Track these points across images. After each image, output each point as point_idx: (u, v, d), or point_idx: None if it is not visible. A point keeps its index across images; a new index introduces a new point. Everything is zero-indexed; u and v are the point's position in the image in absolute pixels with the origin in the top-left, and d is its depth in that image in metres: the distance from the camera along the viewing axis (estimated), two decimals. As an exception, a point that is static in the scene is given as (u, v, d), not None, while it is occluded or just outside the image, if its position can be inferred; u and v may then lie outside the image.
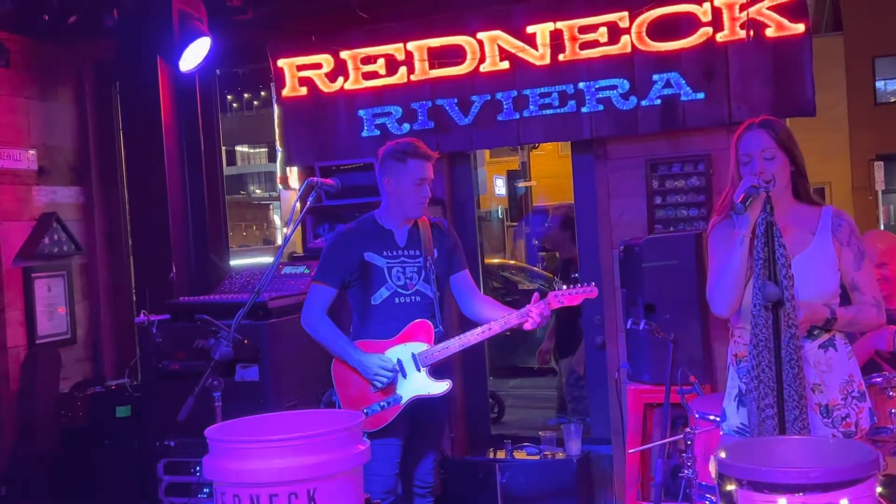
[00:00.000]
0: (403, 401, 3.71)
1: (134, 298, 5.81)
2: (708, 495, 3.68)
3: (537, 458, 4.98)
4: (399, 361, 3.73)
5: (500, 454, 5.06)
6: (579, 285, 3.79)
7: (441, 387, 3.74)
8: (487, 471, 4.93)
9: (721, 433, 3.13)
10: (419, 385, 3.73)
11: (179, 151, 5.47)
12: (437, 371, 3.76)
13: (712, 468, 2.27)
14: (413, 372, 3.73)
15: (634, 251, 4.51)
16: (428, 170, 3.83)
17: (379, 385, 3.68)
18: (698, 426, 3.77)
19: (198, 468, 4.63)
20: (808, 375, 2.87)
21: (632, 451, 4.32)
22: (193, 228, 5.58)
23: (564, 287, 3.79)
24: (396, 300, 3.78)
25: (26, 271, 5.47)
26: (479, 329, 3.78)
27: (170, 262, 5.26)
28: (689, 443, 3.79)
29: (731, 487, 2.18)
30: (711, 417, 3.70)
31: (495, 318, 3.78)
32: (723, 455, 2.26)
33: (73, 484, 5.29)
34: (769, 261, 2.82)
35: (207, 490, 4.59)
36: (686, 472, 3.81)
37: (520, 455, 5.04)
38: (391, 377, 3.68)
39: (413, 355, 3.74)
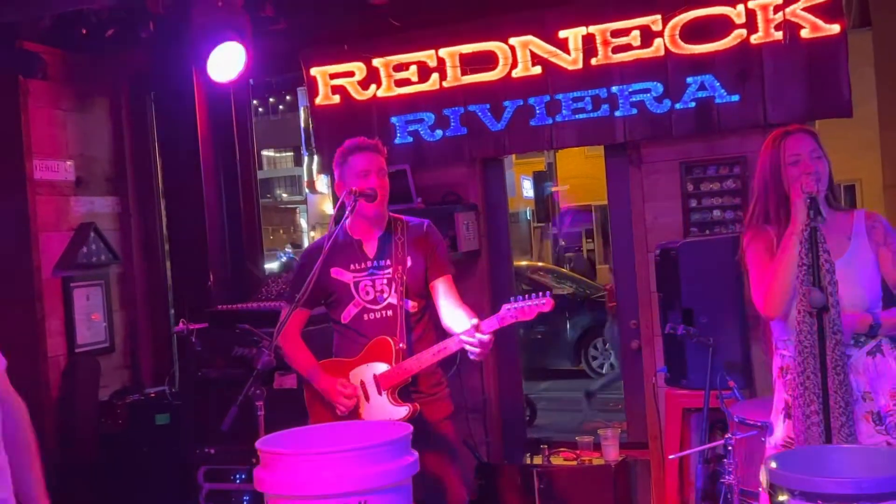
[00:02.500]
0: None
1: (171, 307, 5.87)
2: (749, 501, 3.67)
3: (575, 463, 4.97)
4: (362, 383, 3.48)
5: (537, 459, 5.06)
6: (532, 297, 3.34)
7: (400, 412, 3.39)
8: (525, 476, 4.93)
9: (768, 446, 3.11)
10: (381, 409, 3.43)
11: (215, 160, 5.53)
12: (402, 392, 3.45)
13: (763, 478, 2.27)
14: (374, 395, 3.45)
15: (671, 255, 4.49)
16: (371, 161, 3.49)
17: (343, 411, 3.46)
18: (738, 431, 3.75)
19: (238, 475, 4.68)
20: (858, 384, 2.86)
21: (672, 456, 4.30)
22: (230, 236, 5.63)
23: (517, 300, 3.34)
24: (365, 316, 3.51)
25: (65, 281, 5.54)
26: (434, 348, 3.43)
27: (207, 269, 5.31)
28: (729, 448, 3.77)
29: (783, 498, 2.17)
30: (751, 422, 3.68)
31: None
32: (774, 465, 2.26)
33: (113, 491, 5.35)
34: (814, 266, 2.81)
35: (247, 497, 4.63)
36: (727, 477, 3.79)
37: (557, 460, 5.04)
38: (351, 404, 3.45)
39: (374, 377, 3.46)
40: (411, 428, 2.76)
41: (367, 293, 3.52)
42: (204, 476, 4.80)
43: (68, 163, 5.67)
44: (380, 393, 3.44)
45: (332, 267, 3.51)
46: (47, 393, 5.39)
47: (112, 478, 5.35)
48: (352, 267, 3.54)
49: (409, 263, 3.53)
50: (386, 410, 3.41)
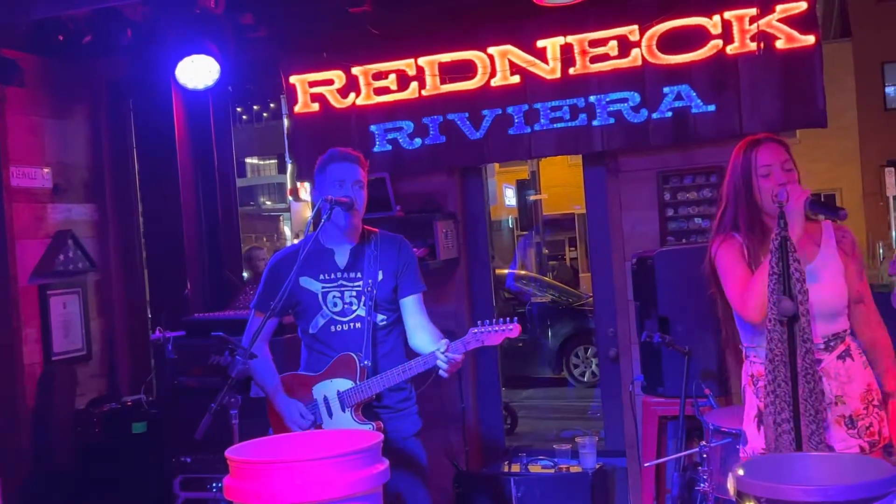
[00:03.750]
0: None
1: (149, 315, 5.84)
2: (724, 508, 3.68)
3: (552, 471, 4.98)
4: (325, 399, 3.45)
5: (515, 467, 5.05)
6: (500, 322, 3.32)
7: (363, 430, 3.34)
8: (503, 484, 4.92)
9: (742, 455, 3.12)
10: (344, 426, 3.40)
11: (193, 167, 5.52)
12: (367, 409, 3.44)
13: (731, 485, 2.28)
14: (338, 412, 3.42)
15: (647, 263, 4.51)
16: (348, 171, 3.46)
17: (297, 430, 3.43)
18: (714, 439, 3.77)
19: (214, 484, 4.66)
20: (831, 388, 2.89)
21: (647, 464, 4.31)
22: (208, 244, 5.63)
23: (485, 324, 3.31)
24: (332, 328, 3.48)
25: (42, 289, 5.51)
26: (399, 368, 3.37)
27: (185, 277, 5.30)
28: (704, 456, 3.79)
29: (749, 505, 2.18)
30: (726, 430, 3.70)
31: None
32: (741, 472, 2.27)
33: (89, 500, 5.31)
34: (784, 276, 2.83)
35: (224, 506, 4.61)
36: (702, 485, 3.81)
37: (535, 468, 5.03)
38: (307, 425, 3.42)
39: (338, 393, 3.43)
40: (382, 436, 2.75)
41: (335, 304, 3.49)
42: (180, 485, 4.78)
43: (45, 170, 5.64)
44: (343, 410, 3.41)
45: (300, 276, 3.47)
46: (23, 401, 5.35)
47: (88, 487, 5.31)
48: (321, 277, 3.51)
49: (379, 277, 3.49)
50: (349, 428, 3.38)
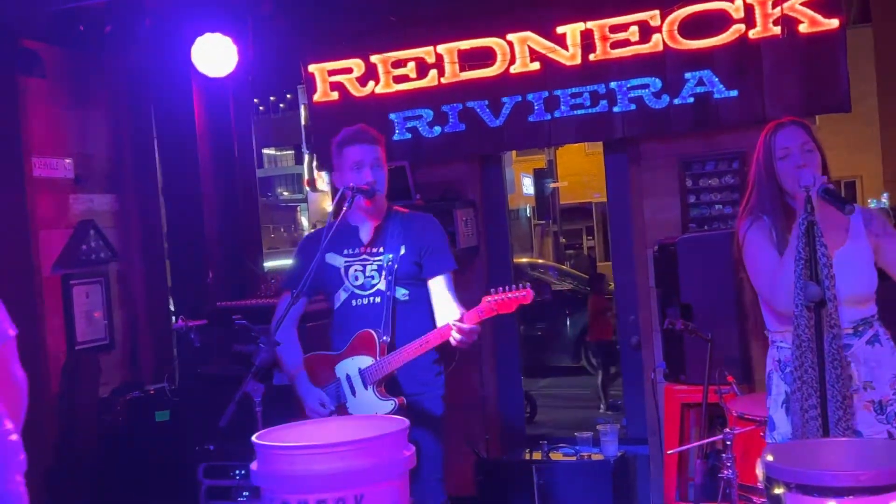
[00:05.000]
0: None
1: (171, 304, 5.87)
2: (747, 495, 3.67)
3: (574, 458, 4.98)
4: (348, 378, 3.44)
5: (536, 455, 5.06)
6: (512, 288, 3.24)
7: (386, 406, 3.36)
8: (524, 472, 4.93)
9: (768, 441, 3.11)
10: (367, 404, 3.39)
11: (213, 156, 5.53)
12: (390, 385, 3.41)
13: (759, 471, 2.27)
14: (361, 390, 3.41)
15: (669, 250, 4.49)
16: (365, 152, 3.43)
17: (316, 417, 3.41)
18: (737, 426, 3.76)
19: (237, 472, 4.68)
20: (860, 373, 2.87)
21: (670, 451, 4.30)
22: (229, 234, 5.63)
23: (497, 292, 3.24)
24: (353, 302, 3.47)
25: (65, 278, 5.53)
26: (417, 341, 3.33)
27: (206, 266, 5.31)
28: (728, 443, 3.77)
29: (779, 491, 2.17)
30: (750, 417, 3.68)
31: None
32: (770, 458, 2.25)
33: (113, 487, 5.35)
34: (811, 261, 2.81)
35: (247, 493, 4.63)
36: (726, 472, 3.80)
37: (556, 456, 5.04)
38: (325, 414, 3.41)
39: (360, 370, 3.42)
40: (408, 422, 2.75)
41: (356, 278, 3.48)
42: (203, 472, 4.80)
43: (67, 160, 5.65)
44: (366, 387, 3.40)
45: (327, 252, 3.46)
46: (47, 390, 5.38)
47: (112, 474, 5.35)
48: (345, 252, 3.51)
49: (402, 251, 3.46)
50: (372, 405, 3.38)
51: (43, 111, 5.52)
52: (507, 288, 3.24)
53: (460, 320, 3.24)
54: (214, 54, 4.98)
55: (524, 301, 3.23)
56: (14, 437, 2.56)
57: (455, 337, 3.23)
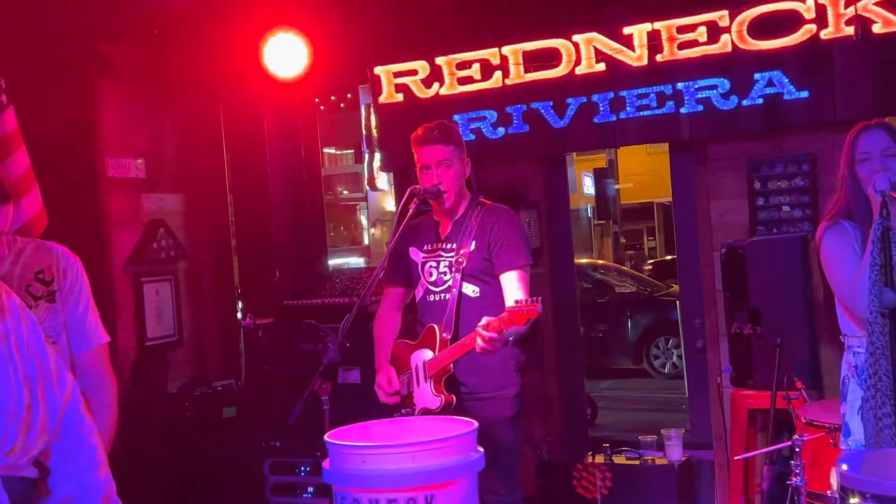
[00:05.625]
0: (416, 412, 3.46)
1: (238, 301, 5.97)
2: (816, 503, 3.61)
3: (637, 462, 4.94)
4: (416, 368, 3.53)
5: (599, 458, 5.03)
6: (524, 301, 3.20)
7: (434, 402, 3.41)
8: (587, 475, 4.90)
9: (843, 447, 3.06)
10: (425, 396, 3.46)
11: (280, 156, 5.61)
12: (449, 383, 3.43)
13: (834, 480, 2.24)
14: (422, 382, 3.49)
15: (738, 253, 4.44)
16: (432, 153, 3.47)
17: (384, 399, 3.54)
18: (806, 433, 3.70)
19: (303, 468, 4.75)
20: None
21: (738, 458, 4.25)
22: (295, 233, 5.71)
23: (517, 303, 3.20)
24: (429, 297, 3.56)
25: (136, 276, 5.67)
26: (458, 343, 3.38)
27: (273, 265, 5.39)
28: (797, 450, 3.72)
29: (854, 501, 2.14)
30: (820, 424, 3.62)
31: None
32: (845, 467, 2.22)
33: (181, 483, 5.46)
34: (886, 266, 2.76)
35: (312, 489, 4.70)
36: (794, 479, 3.74)
37: (619, 459, 5.01)
38: (390, 399, 3.52)
39: (423, 362, 3.50)
40: (476, 424, 2.77)
41: (431, 274, 3.57)
42: (269, 468, 4.88)
43: (139, 161, 5.79)
44: (426, 380, 3.47)
45: (410, 246, 3.61)
46: (119, 386, 5.51)
47: (179, 470, 5.47)
48: (425, 248, 3.62)
49: (472, 247, 3.48)
50: (427, 398, 3.46)
51: (116, 112, 5.66)
52: (525, 301, 3.20)
53: (485, 327, 3.21)
54: (286, 55, 5.06)
55: (531, 316, 3.14)
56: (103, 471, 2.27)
57: (479, 343, 3.23)
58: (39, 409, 2.01)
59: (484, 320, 3.27)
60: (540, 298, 3.19)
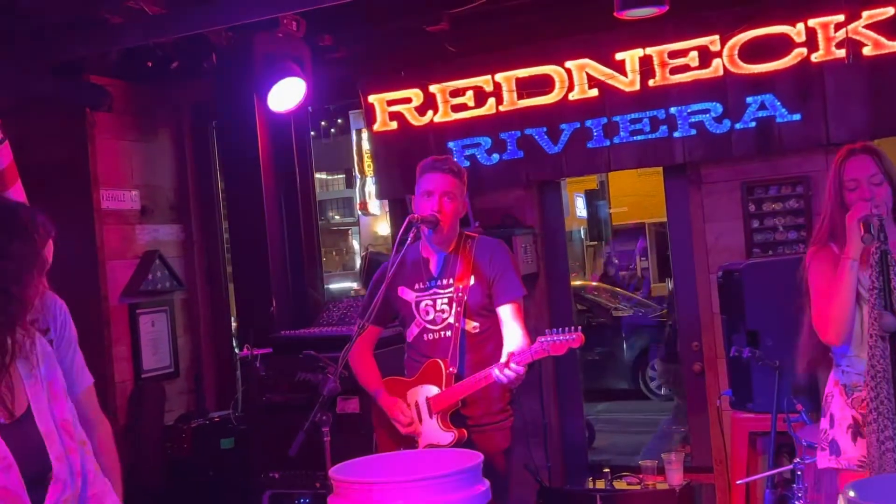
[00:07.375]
0: (421, 447, 3.43)
1: (234, 332, 5.95)
2: (819, 526, 3.60)
3: (638, 487, 4.92)
4: (417, 405, 3.48)
5: (600, 483, 5.00)
6: (564, 331, 3.21)
7: (446, 438, 3.38)
8: (588, 501, 4.88)
9: (837, 467, 3.06)
10: (431, 432, 3.43)
11: (276, 186, 5.60)
12: (455, 417, 3.42)
13: (842, 507, 2.23)
14: (426, 418, 3.45)
15: (734, 276, 4.44)
16: (438, 182, 3.43)
17: (402, 430, 3.49)
18: (807, 455, 3.69)
19: (302, 500, 4.71)
20: None
21: (740, 481, 4.24)
22: (291, 262, 5.70)
23: (552, 333, 3.21)
24: (426, 336, 3.50)
25: (131, 307, 5.66)
26: (477, 375, 3.36)
27: (269, 295, 5.37)
28: (799, 473, 3.72)
29: (862, 527, 2.13)
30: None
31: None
32: (852, 494, 2.22)
33: (179, 514, 5.42)
34: (884, 290, 2.77)
35: (312, 521, 4.66)
36: (795, 502, 3.74)
37: (620, 484, 4.98)
38: (408, 428, 3.47)
39: (426, 399, 3.46)
40: (482, 457, 2.75)
41: (428, 313, 3.51)
42: (269, 500, 4.84)
43: (133, 192, 5.79)
44: (431, 416, 3.44)
45: (399, 286, 3.53)
46: (114, 418, 5.48)
47: (178, 501, 5.42)
48: (416, 286, 3.55)
49: (471, 282, 3.46)
50: (435, 434, 3.42)
51: (110, 144, 5.67)
52: (560, 330, 3.22)
53: (511, 361, 3.22)
54: (285, 92, 5.10)
55: (574, 345, 3.19)
56: None
57: (506, 374, 3.23)
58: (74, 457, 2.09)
59: (508, 353, 3.26)
60: (580, 327, 3.21)
